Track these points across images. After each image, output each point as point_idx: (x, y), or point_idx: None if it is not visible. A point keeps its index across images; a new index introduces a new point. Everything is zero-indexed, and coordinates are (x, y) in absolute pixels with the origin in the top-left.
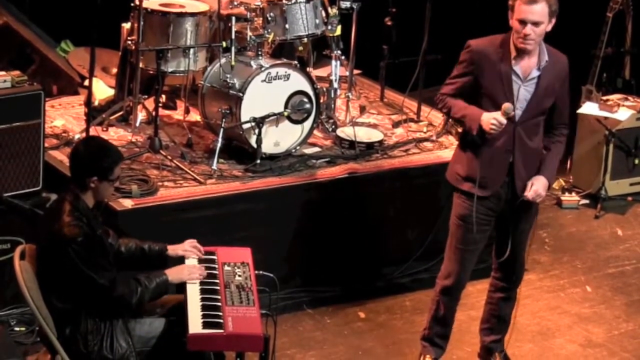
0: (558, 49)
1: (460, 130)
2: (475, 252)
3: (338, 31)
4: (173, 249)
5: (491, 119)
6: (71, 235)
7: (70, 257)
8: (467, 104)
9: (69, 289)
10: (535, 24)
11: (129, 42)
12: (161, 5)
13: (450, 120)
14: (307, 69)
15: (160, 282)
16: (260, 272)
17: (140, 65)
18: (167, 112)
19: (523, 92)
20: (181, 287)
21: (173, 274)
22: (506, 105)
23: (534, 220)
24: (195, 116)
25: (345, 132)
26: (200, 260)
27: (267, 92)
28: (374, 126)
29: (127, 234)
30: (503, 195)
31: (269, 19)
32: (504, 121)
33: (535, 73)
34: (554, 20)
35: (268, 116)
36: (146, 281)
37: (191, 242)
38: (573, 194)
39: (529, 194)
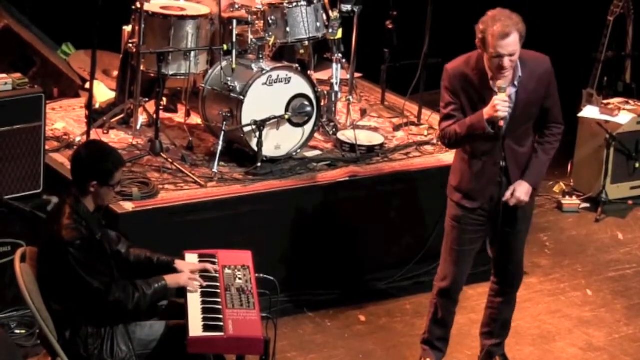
0: (559, 52)
1: None
2: (470, 253)
3: (339, 34)
4: (180, 266)
5: (494, 104)
6: (69, 238)
7: (68, 260)
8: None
9: (66, 292)
10: (511, 54)
11: (130, 45)
12: (162, 8)
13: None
14: (308, 72)
15: (159, 288)
16: (261, 275)
17: (141, 68)
18: (168, 114)
19: None
20: (181, 291)
21: (172, 279)
22: (499, 83)
23: (530, 222)
24: (196, 119)
25: (346, 135)
26: (201, 261)
27: (268, 95)
28: (375, 129)
29: (127, 237)
30: (497, 196)
31: (270, 22)
32: (505, 97)
33: (511, 90)
34: (522, 41)
35: (269, 119)
36: (144, 287)
37: (194, 277)
38: (574, 197)
39: (511, 200)
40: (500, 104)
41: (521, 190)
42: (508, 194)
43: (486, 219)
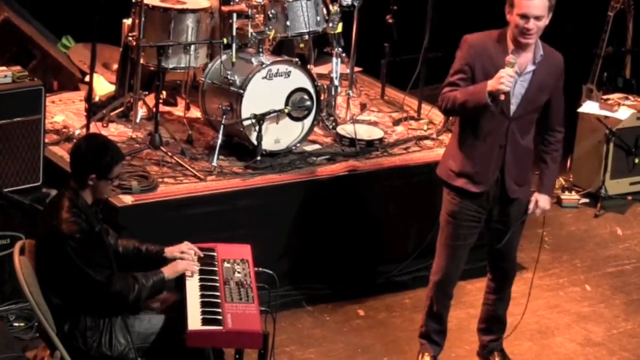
0: (559, 48)
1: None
2: (464, 248)
3: (339, 28)
4: (170, 251)
5: (499, 76)
6: (68, 231)
7: (68, 254)
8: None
9: (67, 285)
10: (537, 18)
11: (130, 38)
12: (162, 1)
13: (451, 119)
14: (308, 66)
15: (157, 280)
16: (260, 269)
17: (141, 61)
18: (167, 108)
19: (518, 87)
20: (180, 285)
21: (169, 270)
22: (509, 58)
23: (524, 219)
24: (195, 113)
25: (345, 129)
26: (200, 258)
27: (267, 89)
28: (375, 124)
29: (127, 230)
30: (492, 193)
31: (270, 15)
32: (512, 72)
33: (530, 67)
34: (550, 15)
35: (269, 113)
36: (143, 279)
37: (187, 244)
38: (573, 192)
39: (537, 211)
40: (506, 77)
41: (544, 201)
42: (532, 206)
43: (482, 215)
